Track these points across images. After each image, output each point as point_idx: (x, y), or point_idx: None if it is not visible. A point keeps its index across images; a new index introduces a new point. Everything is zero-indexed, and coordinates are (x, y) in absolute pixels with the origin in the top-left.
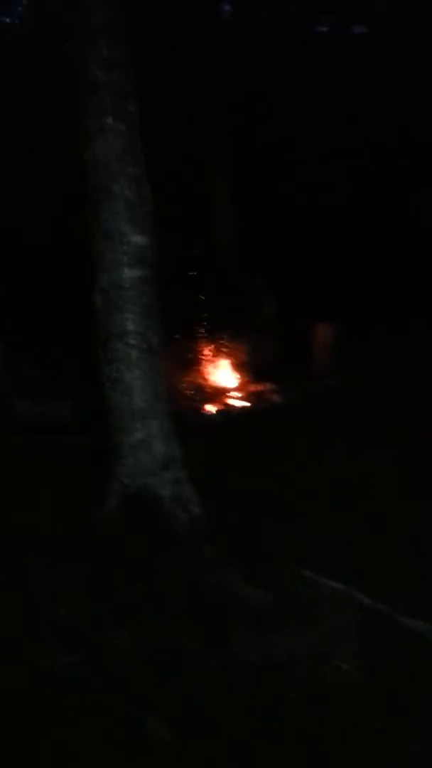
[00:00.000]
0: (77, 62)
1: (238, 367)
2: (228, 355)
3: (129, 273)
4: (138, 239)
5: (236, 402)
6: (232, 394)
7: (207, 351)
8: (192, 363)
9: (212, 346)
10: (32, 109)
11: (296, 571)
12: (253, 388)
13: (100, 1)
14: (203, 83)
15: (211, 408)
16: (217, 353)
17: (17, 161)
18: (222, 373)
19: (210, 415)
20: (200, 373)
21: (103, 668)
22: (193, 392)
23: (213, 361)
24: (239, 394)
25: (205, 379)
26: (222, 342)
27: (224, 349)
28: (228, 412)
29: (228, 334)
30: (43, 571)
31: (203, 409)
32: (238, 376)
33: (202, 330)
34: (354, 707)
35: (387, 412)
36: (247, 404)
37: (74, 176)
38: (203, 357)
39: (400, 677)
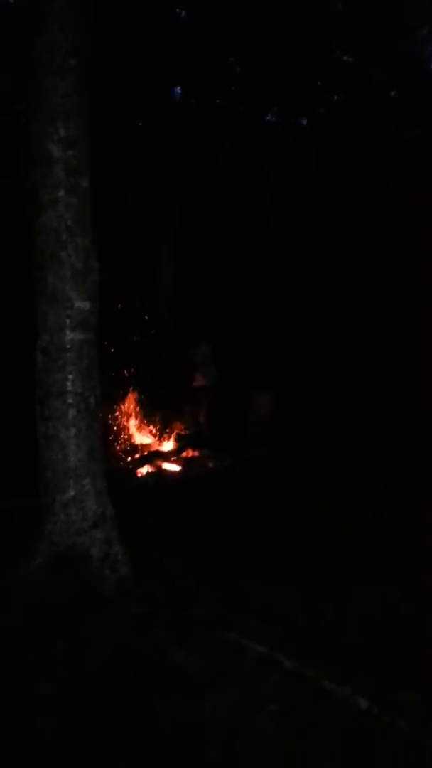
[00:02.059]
0: (35, 138)
1: (175, 431)
2: (165, 419)
3: (71, 335)
4: (82, 305)
5: (170, 466)
6: (166, 457)
7: (144, 413)
8: (128, 424)
9: (150, 409)
10: None
11: (223, 635)
12: (188, 453)
13: (59, 85)
14: (154, 153)
15: (144, 470)
16: (154, 416)
17: None
18: (158, 437)
19: (143, 478)
20: (136, 435)
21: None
22: (128, 454)
23: (149, 424)
24: (173, 458)
25: (141, 441)
26: (160, 406)
27: (162, 413)
28: (161, 475)
29: (168, 398)
30: None
31: (137, 471)
32: (175, 440)
33: (142, 392)
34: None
35: (317, 480)
36: (181, 468)
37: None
38: (140, 419)
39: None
